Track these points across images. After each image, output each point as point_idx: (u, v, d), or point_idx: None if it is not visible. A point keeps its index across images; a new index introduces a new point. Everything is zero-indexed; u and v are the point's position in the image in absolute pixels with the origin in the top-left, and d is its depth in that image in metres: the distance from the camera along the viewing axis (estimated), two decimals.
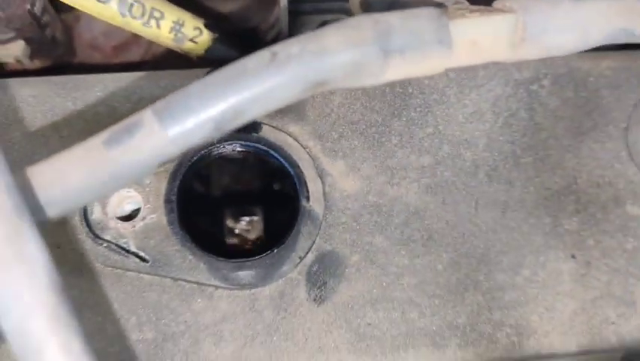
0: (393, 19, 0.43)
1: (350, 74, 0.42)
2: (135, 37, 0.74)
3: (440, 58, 0.43)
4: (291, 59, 0.40)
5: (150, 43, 0.75)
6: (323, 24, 0.73)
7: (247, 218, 0.66)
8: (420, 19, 0.43)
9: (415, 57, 0.42)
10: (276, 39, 0.72)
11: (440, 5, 0.47)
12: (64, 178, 0.38)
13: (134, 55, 0.74)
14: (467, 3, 0.51)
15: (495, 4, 0.49)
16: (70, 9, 0.73)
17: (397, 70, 0.43)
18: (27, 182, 0.36)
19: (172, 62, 0.74)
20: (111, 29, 0.73)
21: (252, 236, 0.67)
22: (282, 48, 0.41)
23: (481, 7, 0.47)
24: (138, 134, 0.40)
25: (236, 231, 0.67)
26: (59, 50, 0.72)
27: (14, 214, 0.31)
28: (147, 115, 0.39)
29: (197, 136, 0.41)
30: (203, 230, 0.65)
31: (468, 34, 0.44)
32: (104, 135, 0.40)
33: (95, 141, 0.39)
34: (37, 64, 0.70)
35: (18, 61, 0.68)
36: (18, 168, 0.36)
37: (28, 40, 0.65)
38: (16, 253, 0.31)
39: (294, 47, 0.41)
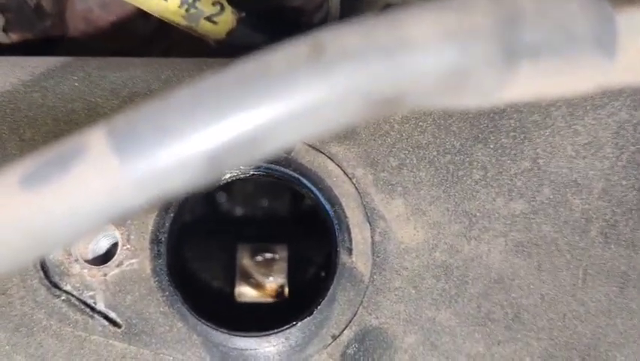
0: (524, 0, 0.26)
1: (445, 88, 0.25)
2: (141, 11, 0.58)
3: (595, 70, 0.27)
4: (347, 56, 0.23)
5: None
6: (386, 7, 0.56)
7: (265, 256, 0.56)
8: (569, 3, 0.26)
9: (555, 66, 0.25)
10: (325, 24, 0.55)
11: None
12: None
13: (139, 34, 0.59)
14: None
15: None
16: None
17: (524, 85, 0.26)
18: None
19: (191, 45, 0.59)
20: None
21: (272, 284, 0.56)
22: (332, 37, 0.23)
23: None
24: (77, 168, 0.24)
25: (252, 275, 0.56)
26: (46, 22, 0.59)
27: None
28: (96, 137, 0.23)
29: (176, 179, 0.24)
30: (203, 275, 0.51)
31: None
32: (21, 168, 0.24)
33: (9, 177, 0.22)
34: (14, 38, 0.59)
35: None
36: None
37: (2, 8, 0.57)
38: None
39: (351, 37, 0.24)
